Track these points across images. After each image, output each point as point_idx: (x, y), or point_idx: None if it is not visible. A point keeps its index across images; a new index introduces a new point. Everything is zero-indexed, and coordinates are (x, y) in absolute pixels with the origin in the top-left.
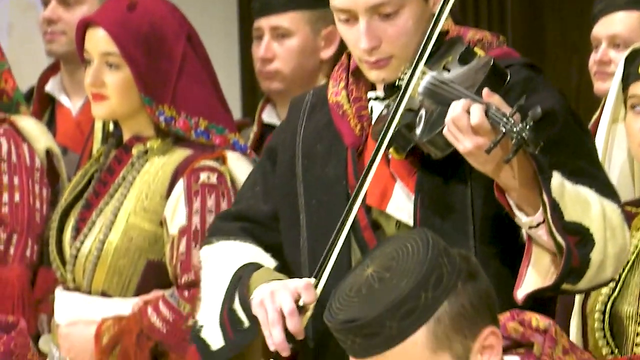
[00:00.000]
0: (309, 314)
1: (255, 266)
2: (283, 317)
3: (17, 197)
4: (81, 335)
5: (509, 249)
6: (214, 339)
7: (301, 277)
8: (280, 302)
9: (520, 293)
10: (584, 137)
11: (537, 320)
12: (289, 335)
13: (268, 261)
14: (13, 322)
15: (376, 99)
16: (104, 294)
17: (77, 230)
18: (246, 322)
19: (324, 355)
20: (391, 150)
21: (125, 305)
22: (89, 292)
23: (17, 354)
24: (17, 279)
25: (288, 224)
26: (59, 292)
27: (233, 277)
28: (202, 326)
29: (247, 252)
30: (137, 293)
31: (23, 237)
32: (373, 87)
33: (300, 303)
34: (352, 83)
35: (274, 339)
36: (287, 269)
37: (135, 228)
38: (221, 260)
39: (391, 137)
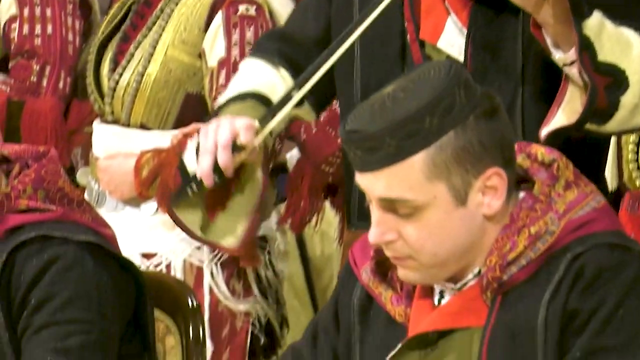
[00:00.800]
0: (243, 155)
1: (242, 97)
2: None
3: (49, 29)
4: (120, 167)
5: (554, 91)
6: (191, 162)
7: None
8: (219, 135)
9: (544, 130)
10: None
11: (543, 154)
12: (217, 168)
13: (280, 89)
14: (44, 151)
15: None
16: (142, 126)
17: (116, 63)
18: None
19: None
20: None
21: (165, 138)
22: (128, 125)
23: (48, 181)
24: (49, 110)
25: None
26: (97, 125)
27: (220, 105)
28: (186, 148)
29: (266, 78)
30: (176, 126)
31: (56, 69)
32: None
33: (237, 142)
34: None
35: (201, 164)
36: (317, 105)
37: (174, 60)
38: (237, 81)
39: None
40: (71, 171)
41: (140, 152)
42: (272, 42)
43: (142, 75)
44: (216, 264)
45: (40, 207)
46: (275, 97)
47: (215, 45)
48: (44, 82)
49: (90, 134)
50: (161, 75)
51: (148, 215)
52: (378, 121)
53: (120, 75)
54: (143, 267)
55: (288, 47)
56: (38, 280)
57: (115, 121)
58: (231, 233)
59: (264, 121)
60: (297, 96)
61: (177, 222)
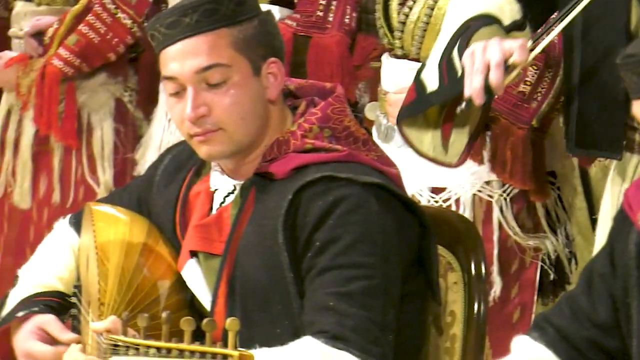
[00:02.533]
0: (514, 74)
1: (487, 22)
2: (488, 70)
3: None
4: None
5: None
6: (431, 81)
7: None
8: (490, 55)
9: None
10: None
11: None
12: (487, 87)
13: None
14: (331, 88)
15: None
16: None
17: None
18: (460, 71)
19: None
20: None
21: None
22: (418, 59)
23: (334, 120)
24: (336, 45)
25: None
26: (386, 60)
27: (462, 25)
28: (424, 66)
29: (493, 3)
30: None
31: (341, 3)
32: None
33: (510, 61)
34: None
35: (473, 83)
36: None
37: None
38: (467, 4)
39: None
40: (355, 105)
41: None
42: None
43: (432, 9)
44: (505, 198)
45: (325, 147)
46: (505, 20)
47: None
48: (330, 17)
49: (375, 69)
50: None
51: None
52: None
53: (410, 9)
54: (432, 202)
55: None
56: (322, 222)
57: (405, 55)
58: (453, 150)
59: (535, 41)
60: (571, 15)
61: (404, 136)
